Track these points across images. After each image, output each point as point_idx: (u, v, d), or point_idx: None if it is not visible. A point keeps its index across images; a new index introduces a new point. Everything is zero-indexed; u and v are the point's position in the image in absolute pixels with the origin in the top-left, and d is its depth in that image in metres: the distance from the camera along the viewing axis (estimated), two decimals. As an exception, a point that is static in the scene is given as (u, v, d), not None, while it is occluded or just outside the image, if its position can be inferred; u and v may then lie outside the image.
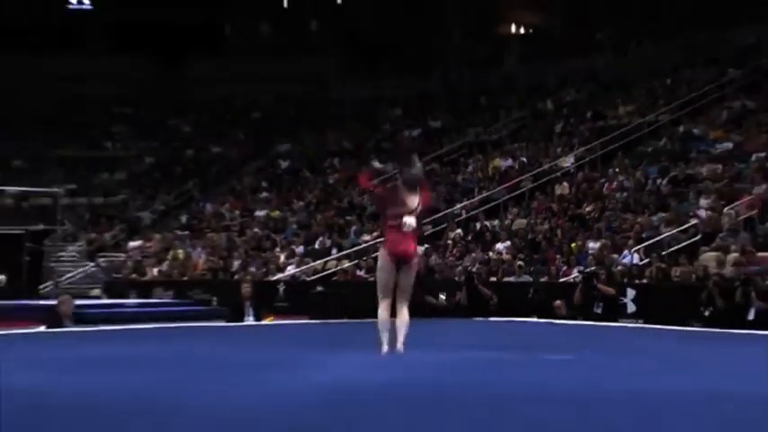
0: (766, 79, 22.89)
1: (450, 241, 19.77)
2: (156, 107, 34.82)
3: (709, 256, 14.82)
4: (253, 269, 21.00)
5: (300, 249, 21.77)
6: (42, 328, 11.50)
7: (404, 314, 7.65)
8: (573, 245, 17.35)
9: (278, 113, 34.05)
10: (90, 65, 34.46)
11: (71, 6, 35.97)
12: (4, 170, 30.47)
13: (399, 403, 4.99)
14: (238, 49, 37.06)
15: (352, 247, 20.85)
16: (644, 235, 16.77)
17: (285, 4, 36.12)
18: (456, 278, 16.64)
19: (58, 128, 33.11)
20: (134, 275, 23.22)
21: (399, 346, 7.55)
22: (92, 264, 25.54)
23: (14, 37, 34.01)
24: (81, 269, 25.04)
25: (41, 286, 20.71)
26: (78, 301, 13.73)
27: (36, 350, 8.70)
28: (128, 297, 19.88)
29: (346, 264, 19.97)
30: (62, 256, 25.17)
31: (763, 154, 18.56)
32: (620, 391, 5.53)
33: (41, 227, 23.06)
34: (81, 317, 12.17)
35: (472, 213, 21.17)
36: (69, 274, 24.26)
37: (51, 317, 11.75)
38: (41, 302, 16.08)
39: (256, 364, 7.03)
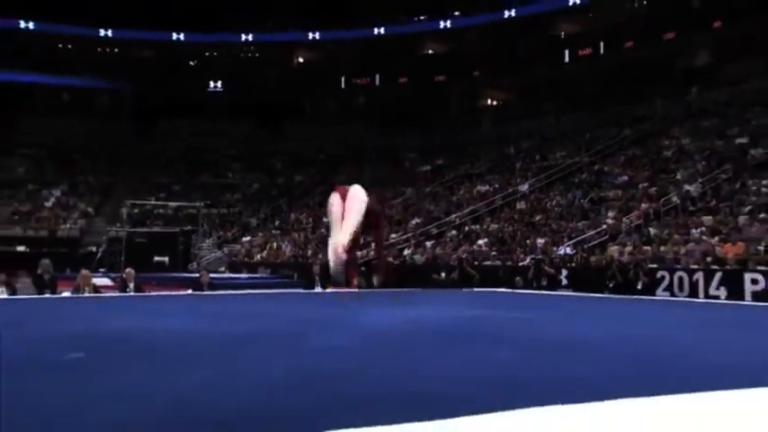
0: (648, 137, 22.91)
1: (448, 238, 19.78)
2: (260, 152, 35.12)
3: (613, 249, 14.82)
4: (320, 256, 21.07)
5: (350, 243, 21.83)
6: (189, 292, 11.63)
7: None
8: (527, 241, 17.33)
9: (336, 155, 34.21)
10: (219, 126, 35.06)
11: (209, 90, 36.66)
12: (167, 192, 30.92)
13: (413, 341, 5.02)
14: (313, 117, 37.36)
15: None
16: (573, 235, 16.72)
17: (342, 86, 36.53)
18: (451, 262, 16.67)
19: (199, 165, 33.53)
20: (246, 259, 23.45)
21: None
22: (219, 251, 25.82)
23: (172, 109, 34.66)
24: (213, 254, 25.34)
25: (189, 265, 20.94)
26: (212, 275, 14.01)
27: (185, 305, 8.82)
28: (241, 272, 20.10)
29: (380, 253, 20.01)
30: (202, 246, 25.45)
31: (646, 184, 18.53)
32: (558, 336, 5.52)
33: (189, 228, 23.43)
34: (213, 285, 12.33)
35: (463, 220, 21.18)
36: (206, 258, 24.57)
37: (195, 284, 11.90)
38: (189, 275, 16.35)
39: (321, 317, 7.09)
